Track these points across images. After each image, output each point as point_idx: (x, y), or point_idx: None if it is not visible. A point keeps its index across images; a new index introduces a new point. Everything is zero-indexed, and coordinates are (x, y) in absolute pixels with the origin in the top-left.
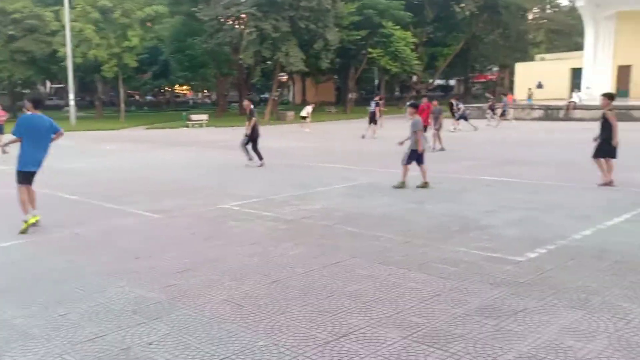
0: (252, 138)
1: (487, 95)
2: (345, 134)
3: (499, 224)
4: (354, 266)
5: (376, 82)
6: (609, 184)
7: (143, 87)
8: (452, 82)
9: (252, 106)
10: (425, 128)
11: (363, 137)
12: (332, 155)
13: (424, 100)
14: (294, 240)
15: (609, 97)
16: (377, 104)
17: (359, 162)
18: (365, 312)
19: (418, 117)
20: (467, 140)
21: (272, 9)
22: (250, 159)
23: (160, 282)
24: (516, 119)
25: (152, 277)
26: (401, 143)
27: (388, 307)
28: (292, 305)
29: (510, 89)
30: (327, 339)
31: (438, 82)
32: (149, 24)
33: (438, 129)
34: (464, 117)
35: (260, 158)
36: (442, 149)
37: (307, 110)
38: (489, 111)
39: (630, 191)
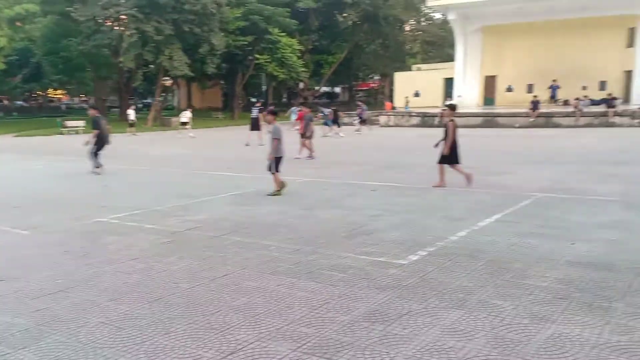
0: (99, 148)
1: (358, 103)
2: (232, 141)
3: (383, 228)
4: (243, 278)
5: (264, 88)
6: (469, 181)
7: (13, 91)
8: (337, 89)
9: (97, 115)
10: (304, 136)
11: (247, 145)
12: (219, 163)
13: (303, 108)
14: (179, 254)
15: (451, 107)
16: (260, 110)
17: (247, 169)
18: (254, 326)
19: (277, 125)
20: (349, 146)
21: (155, 11)
22: (98, 166)
23: (28, 307)
24: (396, 125)
25: (19, 301)
26: (269, 158)
27: (278, 319)
28: (176, 324)
29: (390, 97)
30: (214, 358)
31: (324, 89)
32: (18, 24)
33: (309, 137)
34: (326, 123)
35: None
36: (310, 157)
37: (187, 115)
38: (357, 118)
39: (496, 193)
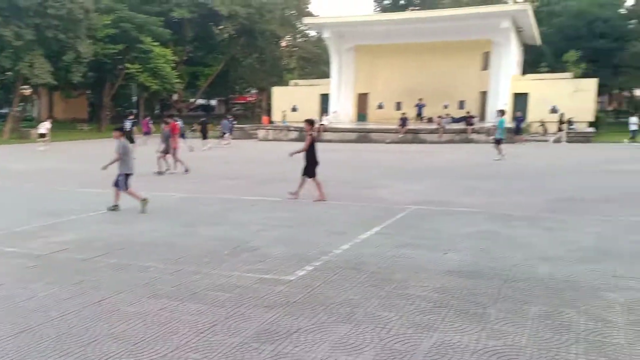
0: None
1: (228, 116)
2: (100, 154)
3: (268, 244)
4: (120, 303)
5: (134, 98)
6: (294, 196)
7: None
8: (213, 102)
9: None
10: (175, 150)
11: None
12: (87, 178)
13: (171, 121)
14: (46, 279)
15: (309, 122)
16: (133, 122)
17: None
18: (136, 354)
19: (123, 140)
20: (226, 160)
21: (14, 15)
22: None
23: None
24: (275, 139)
25: None
26: (105, 167)
27: (162, 345)
28: (47, 357)
29: (268, 111)
30: None
31: (200, 101)
32: None
33: (167, 152)
34: (182, 136)
35: None
36: (162, 172)
37: (46, 126)
38: (228, 131)
39: (374, 206)
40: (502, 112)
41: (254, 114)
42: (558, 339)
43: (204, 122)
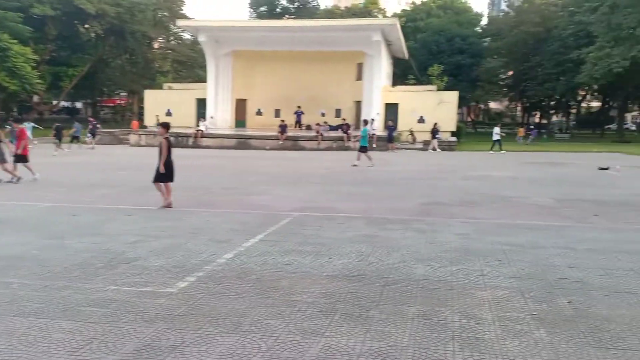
0: None
1: (90, 119)
2: None
3: (146, 255)
4: None
5: None
6: (168, 205)
7: None
8: (79, 104)
9: None
10: (24, 158)
11: None
12: None
13: (18, 125)
14: None
15: (165, 126)
16: None
17: None
18: None
19: None
20: (94, 166)
21: None
22: None
23: None
24: (148, 145)
25: None
26: None
27: None
28: None
29: (140, 115)
30: None
31: (64, 103)
32: None
33: (4, 161)
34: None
35: None
36: (18, 181)
37: None
38: (89, 135)
39: (256, 213)
40: (365, 122)
41: (125, 117)
42: (436, 337)
43: (58, 128)
